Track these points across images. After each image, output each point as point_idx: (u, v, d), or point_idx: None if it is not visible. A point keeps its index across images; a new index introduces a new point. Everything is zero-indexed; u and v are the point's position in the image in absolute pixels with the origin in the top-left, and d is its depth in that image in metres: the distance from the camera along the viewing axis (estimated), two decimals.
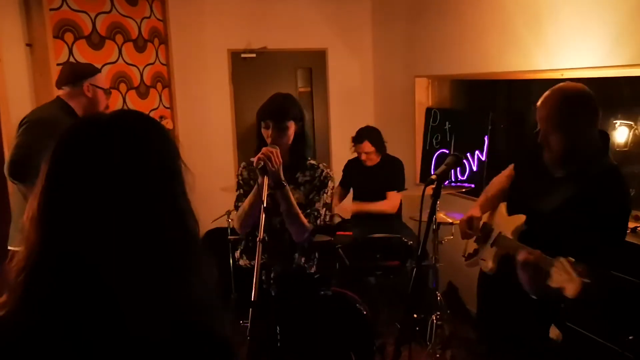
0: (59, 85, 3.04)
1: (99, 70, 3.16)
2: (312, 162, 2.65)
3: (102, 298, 0.83)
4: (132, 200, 0.87)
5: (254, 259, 2.64)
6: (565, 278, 1.91)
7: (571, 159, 2.22)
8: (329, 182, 2.60)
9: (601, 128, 2.32)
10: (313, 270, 2.76)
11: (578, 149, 2.19)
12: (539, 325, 2.38)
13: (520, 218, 2.38)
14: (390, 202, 4.28)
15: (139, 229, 0.87)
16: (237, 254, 2.79)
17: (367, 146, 4.28)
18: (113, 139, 0.90)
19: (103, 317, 0.83)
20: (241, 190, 2.66)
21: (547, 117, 2.19)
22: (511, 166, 2.72)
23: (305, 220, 2.51)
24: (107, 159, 0.88)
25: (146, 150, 0.92)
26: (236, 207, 2.64)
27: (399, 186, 4.35)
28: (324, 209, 2.58)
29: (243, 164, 2.75)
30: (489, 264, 2.47)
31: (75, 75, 3.03)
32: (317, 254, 2.77)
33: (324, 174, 2.60)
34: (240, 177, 2.70)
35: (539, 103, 2.25)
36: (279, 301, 2.64)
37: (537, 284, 2.07)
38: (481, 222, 2.63)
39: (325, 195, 2.59)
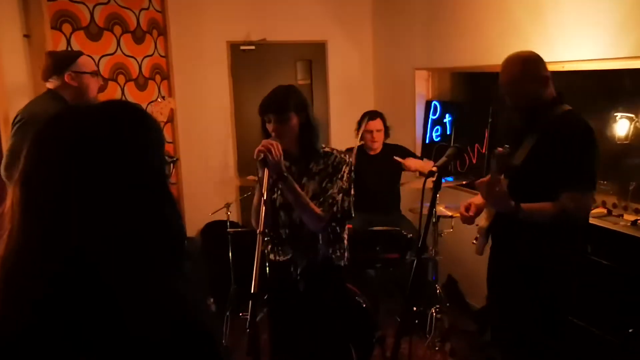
0: (44, 78, 2.98)
1: (79, 55, 3.04)
2: (327, 149, 2.58)
3: (84, 302, 0.82)
4: (106, 192, 0.85)
5: (281, 255, 2.65)
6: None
7: (530, 109, 2.51)
8: (344, 166, 2.51)
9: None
10: (343, 262, 2.67)
11: (534, 100, 2.48)
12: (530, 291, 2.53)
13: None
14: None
15: (115, 221, 0.85)
16: (268, 249, 2.74)
17: (380, 123, 4.30)
18: (91, 131, 0.88)
19: (85, 321, 0.81)
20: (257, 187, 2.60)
21: (508, 77, 2.54)
22: None
23: (316, 209, 2.45)
24: (84, 150, 0.86)
25: (125, 143, 0.89)
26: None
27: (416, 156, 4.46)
28: (340, 195, 2.48)
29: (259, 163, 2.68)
30: (482, 221, 2.64)
31: (56, 66, 2.94)
32: (346, 244, 2.69)
33: (337, 159, 2.52)
34: (257, 176, 2.56)
35: (500, 70, 2.60)
36: (307, 296, 2.62)
37: (495, 195, 2.35)
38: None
39: (339, 181, 2.49)
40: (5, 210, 0.88)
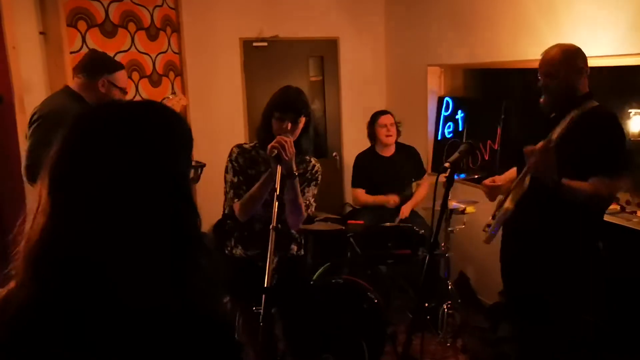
0: (76, 72, 2.95)
1: (121, 67, 3.02)
2: (305, 156, 2.70)
3: (103, 289, 0.83)
4: (126, 190, 0.86)
5: (250, 249, 2.68)
6: None
7: (563, 101, 2.53)
8: (319, 175, 2.71)
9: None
10: (302, 252, 2.88)
11: (570, 92, 2.51)
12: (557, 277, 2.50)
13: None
14: (426, 188, 4.40)
15: (143, 218, 0.87)
16: (231, 243, 2.78)
17: (390, 118, 4.33)
18: (118, 130, 0.90)
19: (105, 308, 0.83)
20: (240, 177, 2.63)
21: (546, 70, 2.53)
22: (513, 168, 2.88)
23: (304, 210, 2.60)
24: (110, 148, 0.88)
25: (150, 144, 0.90)
26: (237, 195, 2.62)
27: (424, 172, 4.49)
28: (313, 199, 2.69)
29: (236, 149, 2.70)
30: (505, 205, 2.53)
31: (94, 66, 2.91)
32: (303, 239, 2.91)
33: (315, 168, 2.70)
34: (235, 164, 2.66)
35: (542, 55, 2.59)
36: (278, 290, 2.65)
37: (547, 162, 2.30)
38: (497, 200, 2.69)
39: (314, 187, 2.70)
40: (34, 204, 0.89)
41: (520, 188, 2.47)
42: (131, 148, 0.89)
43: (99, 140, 0.89)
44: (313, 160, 2.72)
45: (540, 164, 2.31)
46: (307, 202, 2.66)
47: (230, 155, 2.70)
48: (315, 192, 2.71)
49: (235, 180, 2.64)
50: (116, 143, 0.89)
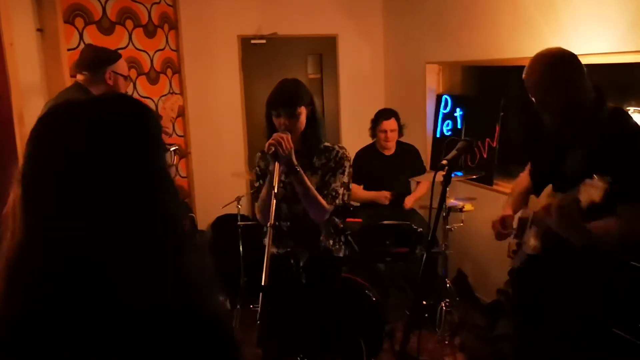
0: (79, 69, 2.96)
1: (120, 56, 3.07)
2: (327, 144, 2.63)
3: (103, 289, 0.82)
4: (101, 187, 0.85)
5: (281, 247, 2.66)
6: (591, 191, 1.92)
7: (570, 117, 2.20)
8: (345, 162, 2.58)
9: None
10: (342, 254, 2.75)
11: (573, 107, 2.17)
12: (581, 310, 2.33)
13: (548, 189, 2.32)
14: (427, 185, 4.38)
15: (136, 217, 0.85)
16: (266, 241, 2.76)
17: (394, 123, 4.33)
18: (84, 125, 0.87)
19: (104, 308, 0.82)
20: (261, 182, 2.62)
21: (536, 85, 2.19)
22: (529, 164, 2.70)
23: (324, 202, 2.49)
24: (77, 145, 0.85)
25: (122, 137, 0.88)
26: (255, 198, 2.63)
27: (424, 170, 4.49)
28: (342, 188, 2.56)
29: (259, 154, 2.70)
30: (531, 243, 2.38)
31: (98, 61, 2.94)
32: (343, 237, 2.76)
33: (339, 154, 2.58)
34: (258, 168, 2.66)
35: (524, 75, 2.24)
36: (309, 288, 2.64)
37: (570, 222, 2.06)
38: (516, 219, 2.56)
39: (341, 175, 2.56)
40: (7, 209, 0.87)
41: (543, 223, 2.27)
42: (109, 145, 0.86)
43: (62, 141, 0.86)
44: (337, 147, 2.61)
45: (564, 224, 2.09)
46: (334, 192, 2.53)
47: (254, 161, 2.72)
48: (345, 180, 2.56)
49: (257, 184, 2.65)
50: (93, 141, 0.86)
